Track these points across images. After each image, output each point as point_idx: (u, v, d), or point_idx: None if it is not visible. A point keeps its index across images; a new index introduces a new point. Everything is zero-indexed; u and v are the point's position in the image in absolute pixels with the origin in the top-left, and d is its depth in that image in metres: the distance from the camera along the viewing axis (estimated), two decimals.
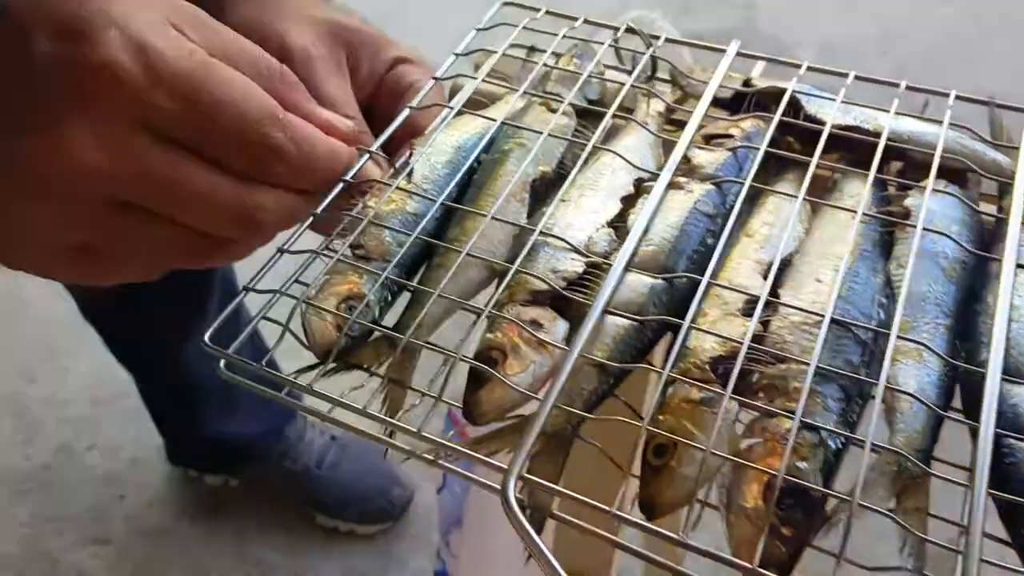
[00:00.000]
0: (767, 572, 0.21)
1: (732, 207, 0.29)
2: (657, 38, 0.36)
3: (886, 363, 0.24)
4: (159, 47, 0.26)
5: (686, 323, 0.25)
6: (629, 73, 0.36)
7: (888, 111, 0.33)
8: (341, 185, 0.30)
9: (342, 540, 1.03)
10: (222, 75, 0.27)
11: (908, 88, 0.36)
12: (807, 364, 0.24)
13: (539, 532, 0.22)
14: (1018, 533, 0.23)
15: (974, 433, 0.23)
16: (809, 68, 0.35)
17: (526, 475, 0.23)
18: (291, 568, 1.01)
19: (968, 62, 1.71)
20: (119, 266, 0.29)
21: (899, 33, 1.79)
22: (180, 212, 0.27)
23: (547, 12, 0.39)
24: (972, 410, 0.25)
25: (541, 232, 0.28)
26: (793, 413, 0.23)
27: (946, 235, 0.28)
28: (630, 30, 0.37)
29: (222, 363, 0.26)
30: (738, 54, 0.35)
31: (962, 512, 0.22)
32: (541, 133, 0.32)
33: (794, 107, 0.32)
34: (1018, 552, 0.23)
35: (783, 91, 0.32)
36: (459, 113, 0.34)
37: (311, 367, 0.28)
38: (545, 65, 0.36)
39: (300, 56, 0.34)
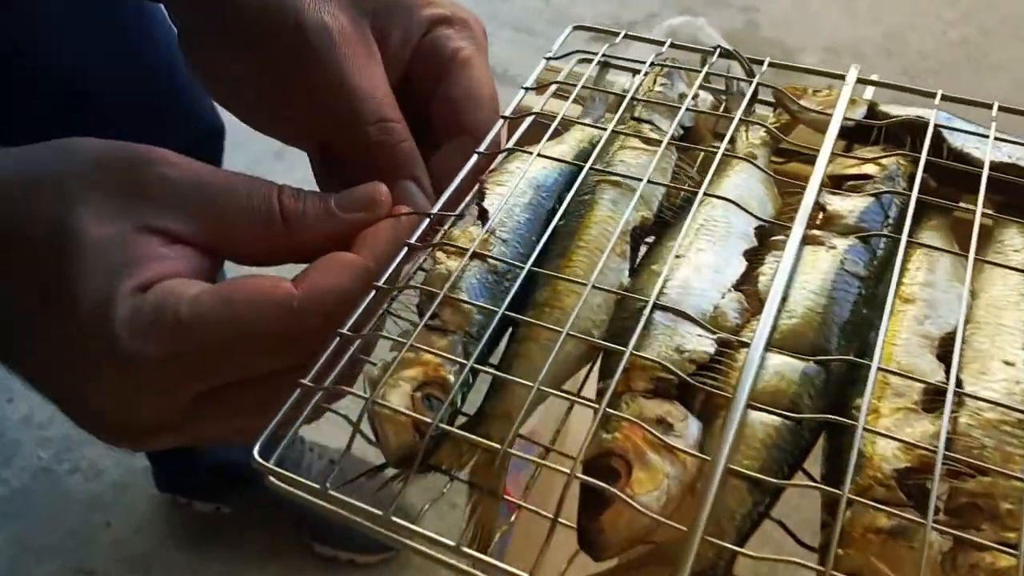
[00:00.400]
0: None
1: (881, 267, 0.24)
2: (760, 62, 0.31)
3: None
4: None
5: (861, 422, 0.20)
6: (722, 94, 0.31)
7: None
8: (405, 250, 0.25)
9: (341, 570, 0.97)
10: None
11: (1001, 109, 0.30)
12: (1021, 478, 0.19)
13: None
14: None
15: None
16: (944, 98, 0.30)
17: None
18: None
19: (970, 66, 1.69)
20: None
21: (901, 36, 1.76)
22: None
23: (626, 36, 0.33)
24: None
25: (656, 304, 0.23)
26: (1014, 547, 0.18)
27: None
28: (727, 54, 0.31)
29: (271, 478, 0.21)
30: (858, 81, 0.30)
31: None
32: (635, 169, 0.27)
33: (937, 141, 0.27)
34: None
35: (923, 122, 0.27)
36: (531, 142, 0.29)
37: (379, 468, 0.23)
38: (624, 92, 0.30)
39: (318, 39, 0.30)
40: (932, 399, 0.21)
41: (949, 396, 0.20)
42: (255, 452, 0.22)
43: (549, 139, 0.29)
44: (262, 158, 1.24)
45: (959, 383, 0.21)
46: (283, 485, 0.21)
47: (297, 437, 0.94)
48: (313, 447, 0.98)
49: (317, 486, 0.21)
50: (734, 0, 1.86)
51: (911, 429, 0.20)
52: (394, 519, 0.21)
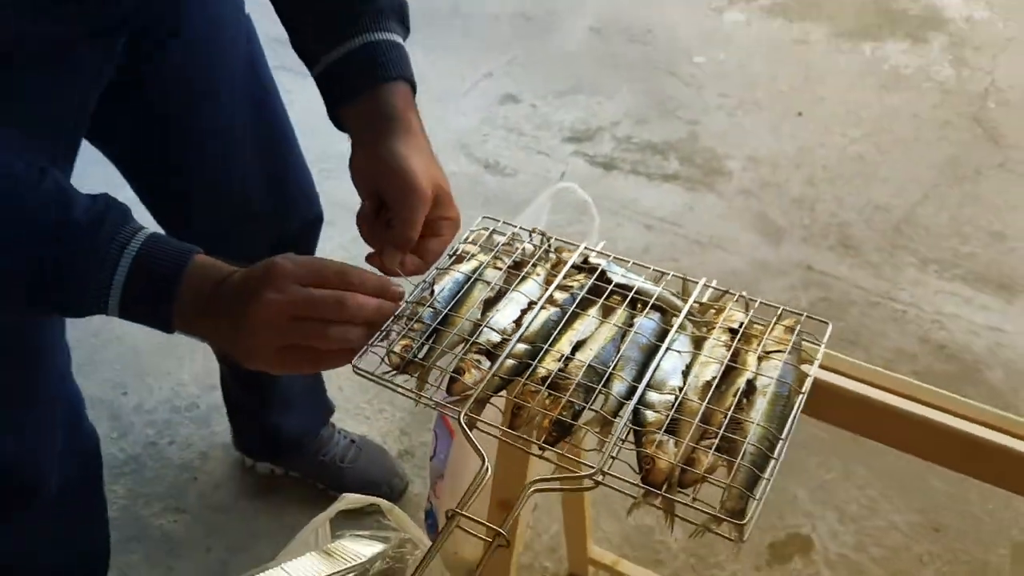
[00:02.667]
0: None
1: (569, 316, 0.69)
2: (550, 238, 0.77)
3: (615, 384, 0.64)
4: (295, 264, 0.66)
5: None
6: (544, 248, 0.77)
7: (644, 277, 0.74)
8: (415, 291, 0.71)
9: None
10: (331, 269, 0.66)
11: (674, 275, 0.75)
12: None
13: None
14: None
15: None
16: (616, 258, 0.76)
17: (469, 414, 0.63)
18: None
19: (863, 178, 2.15)
20: (301, 362, 0.67)
21: (811, 151, 2.23)
22: (317, 324, 0.65)
23: (505, 222, 0.79)
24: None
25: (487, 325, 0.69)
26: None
27: (642, 334, 0.68)
28: (542, 234, 0.77)
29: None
30: (585, 248, 0.76)
31: None
32: (491, 277, 0.73)
33: (603, 272, 0.73)
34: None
35: (598, 266, 0.73)
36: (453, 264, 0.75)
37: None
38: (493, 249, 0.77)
39: (413, 196, 0.71)
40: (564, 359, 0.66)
41: (563, 359, 0.66)
42: (353, 362, 0.66)
43: (457, 263, 0.75)
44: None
45: (573, 354, 0.67)
46: (363, 370, 0.66)
47: (333, 426, 1.39)
48: (341, 431, 1.43)
49: (373, 372, 0.66)
50: (681, 114, 2.34)
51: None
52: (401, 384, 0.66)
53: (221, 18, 0.94)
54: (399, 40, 0.77)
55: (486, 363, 0.66)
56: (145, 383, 1.60)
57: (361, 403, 1.56)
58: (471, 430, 0.61)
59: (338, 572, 0.70)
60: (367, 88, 0.74)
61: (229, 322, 0.64)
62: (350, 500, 0.77)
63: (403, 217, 0.72)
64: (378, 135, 0.73)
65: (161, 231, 0.69)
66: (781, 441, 0.61)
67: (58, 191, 0.64)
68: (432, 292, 0.71)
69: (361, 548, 0.76)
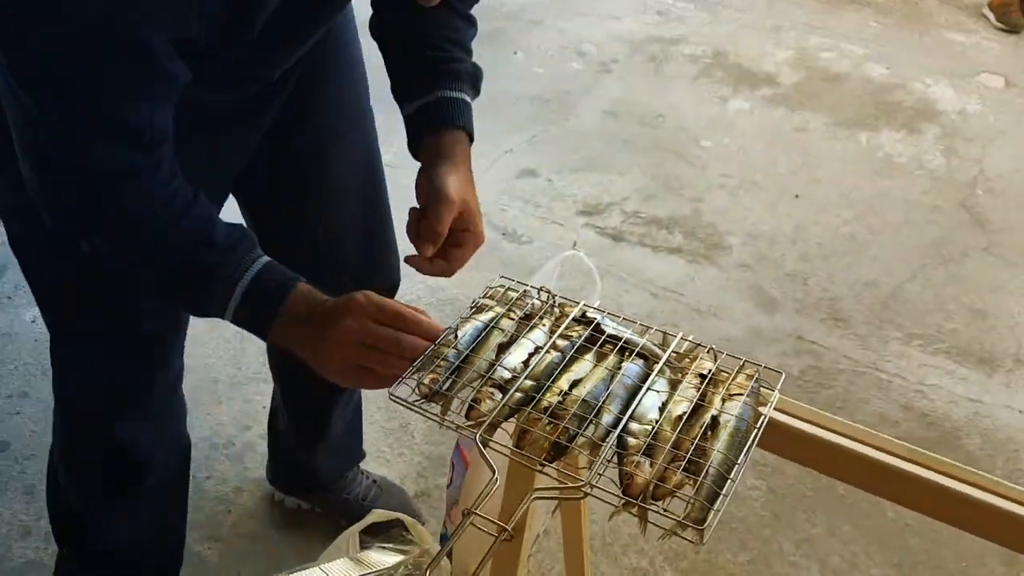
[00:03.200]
0: None
1: (568, 360, 0.84)
2: (554, 295, 0.93)
3: (604, 415, 0.78)
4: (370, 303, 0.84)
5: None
6: (550, 304, 0.92)
7: (632, 330, 0.89)
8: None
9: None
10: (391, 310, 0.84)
11: (656, 329, 0.90)
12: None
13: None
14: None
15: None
16: (609, 314, 0.91)
17: (484, 435, 0.77)
18: None
19: (854, 255, 2.31)
20: (358, 379, 0.85)
21: (806, 228, 2.39)
22: (377, 353, 0.83)
23: (519, 281, 0.95)
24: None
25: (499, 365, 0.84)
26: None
27: (628, 376, 0.83)
28: (547, 292, 0.93)
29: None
30: (584, 305, 0.91)
31: None
32: (507, 326, 0.88)
33: (598, 325, 0.88)
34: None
35: (594, 319, 0.88)
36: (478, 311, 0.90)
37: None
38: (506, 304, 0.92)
39: (442, 203, 0.92)
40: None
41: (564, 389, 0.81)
42: (389, 391, 0.82)
43: (477, 313, 0.90)
44: None
45: (570, 390, 0.81)
46: (398, 397, 0.81)
47: (358, 467, 1.53)
48: (364, 472, 1.56)
49: (407, 398, 0.81)
50: (686, 192, 2.52)
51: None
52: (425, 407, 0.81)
53: (354, 62, 1.15)
54: (467, 99, 1.00)
55: (499, 395, 0.81)
56: (187, 422, 1.74)
57: (382, 447, 1.69)
58: (485, 448, 0.76)
59: (366, 575, 0.84)
60: (433, 131, 0.98)
61: (314, 339, 0.84)
62: (377, 515, 0.90)
63: (432, 215, 0.93)
64: (432, 164, 0.96)
65: None
66: (738, 465, 0.75)
67: (207, 215, 0.85)
68: (456, 336, 0.87)
69: (386, 557, 0.89)
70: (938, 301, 2.15)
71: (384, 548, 0.94)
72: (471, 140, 1.01)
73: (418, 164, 1.00)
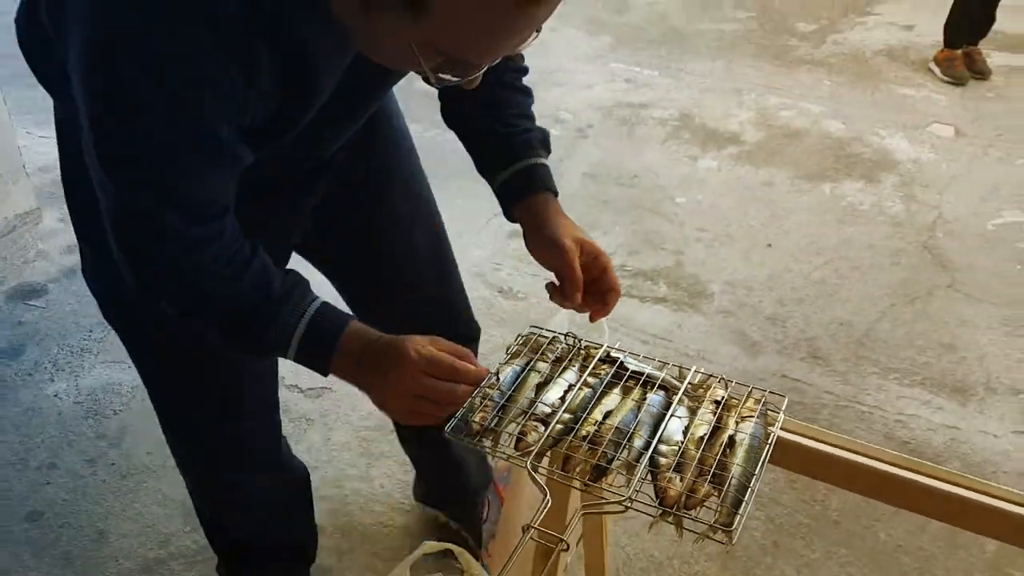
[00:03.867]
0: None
1: (599, 394, 0.96)
2: (580, 339, 1.05)
3: (636, 440, 0.90)
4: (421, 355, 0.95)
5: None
6: (577, 347, 1.04)
7: (651, 366, 1.01)
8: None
9: None
10: (445, 364, 0.95)
11: (672, 364, 1.02)
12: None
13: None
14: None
15: None
16: (631, 353, 1.03)
17: (533, 462, 0.88)
18: None
19: (824, 298, 2.46)
20: (425, 418, 0.96)
21: (779, 276, 2.55)
22: (432, 403, 0.95)
23: (548, 330, 1.07)
24: None
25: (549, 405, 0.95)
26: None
27: (653, 406, 0.95)
28: (573, 336, 1.05)
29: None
30: (611, 349, 1.03)
31: None
32: (543, 368, 1.00)
33: (621, 363, 1.00)
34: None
35: (617, 358, 1.00)
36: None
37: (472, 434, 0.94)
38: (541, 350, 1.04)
39: (564, 253, 1.06)
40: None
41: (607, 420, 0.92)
42: (447, 428, 0.92)
43: (513, 358, 1.02)
44: None
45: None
46: (453, 435, 0.92)
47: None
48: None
49: (463, 436, 0.92)
50: (667, 246, 2.67)
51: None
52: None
53: (401, 133, 1.29)
54: (544, 161, 1.13)
55: (542, 428, 0.92)
56: None
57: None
58: (535, 472, 0.87)
59: None
60: (522, 198, 1.11)
61: (372, 380, 0.95)
62: (429, 546, 1.00)
63: (563, 268, 1.08)
64: (532, 227, 1.11)
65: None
66: (755, 476, 0.87)
67: (264, 268, 0.95)
68: (497, 379, 0.98)
69: None
70: (909, 337, 2.30)
71: (437, 574, 1.03)
72: (555, 194, 1.13)
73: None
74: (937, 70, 3.81)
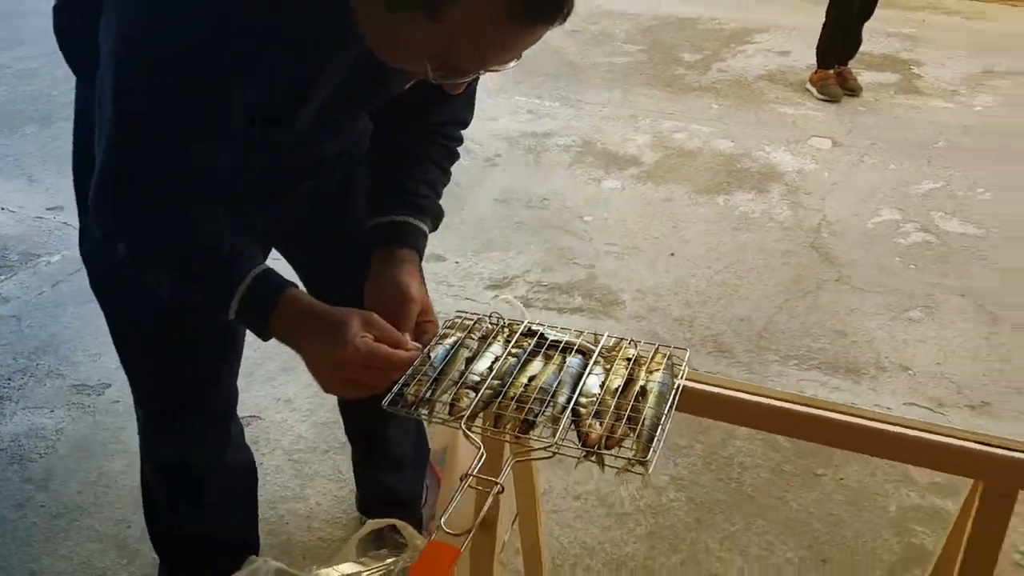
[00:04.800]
0: None
1: (523, 363, 1.05)
2: (502, 318, 1.14)
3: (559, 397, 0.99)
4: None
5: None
6: (501, 325, 1.13)
7: (565, 335, 1.11)
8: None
9: None
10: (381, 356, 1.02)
11: (587, 332, 1.12)
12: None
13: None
14: None
15: None
16: (549, 326, 1.13)
17: (468, 422, 0.97)
18: None
19: (728, 298, 2.63)
20: (358, 390, 1.03)
21: (685, 281, 2.71)
22: (363, 387, 1.02)
23: (473, 313, 1.16)
24: None
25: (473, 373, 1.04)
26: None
27: (572, 367, 1.05)
28: (498, 316, 1.14)
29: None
30: (527, 322, 1.13)
31: None
32: (471, 344, 1.09)
33: (541, 335, 1.10)
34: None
35: (538, 331, 1.10)
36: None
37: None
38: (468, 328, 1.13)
39: (411, 303, 1.11)
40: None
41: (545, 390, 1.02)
42: (384, 401, 1.00)
43: (443, 339, 1.10)
44: None
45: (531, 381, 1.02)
46: (391, 408, 0.99)
47: None
48: None
49: (398, 408, 0.99)
50: (579, 261, 2.80)
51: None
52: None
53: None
54: (427, 231, 1.22)
55: (473, 394, 1.01)
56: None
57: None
58: (469, 431, 0.95)
59: (372, 570, 0.98)
60: (391, 244, 1.18)
61: (307, 353, 1.01)
62: (373, 523, 1.06)
63: (402, 314, 1.11)
64: (387, 268, 1.16)
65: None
66: (665, 416, 0.97)
67: (231, 244, 1.00)
68: (429, 357, 1.06)
69: (385, 557, 1.04)
70: (804, 327, 2.49)
71: (381, 551, 1.09)
72: (420, 256, 1.20)
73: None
74: (813, 89, 4.12)
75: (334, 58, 1.00)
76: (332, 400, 1.72)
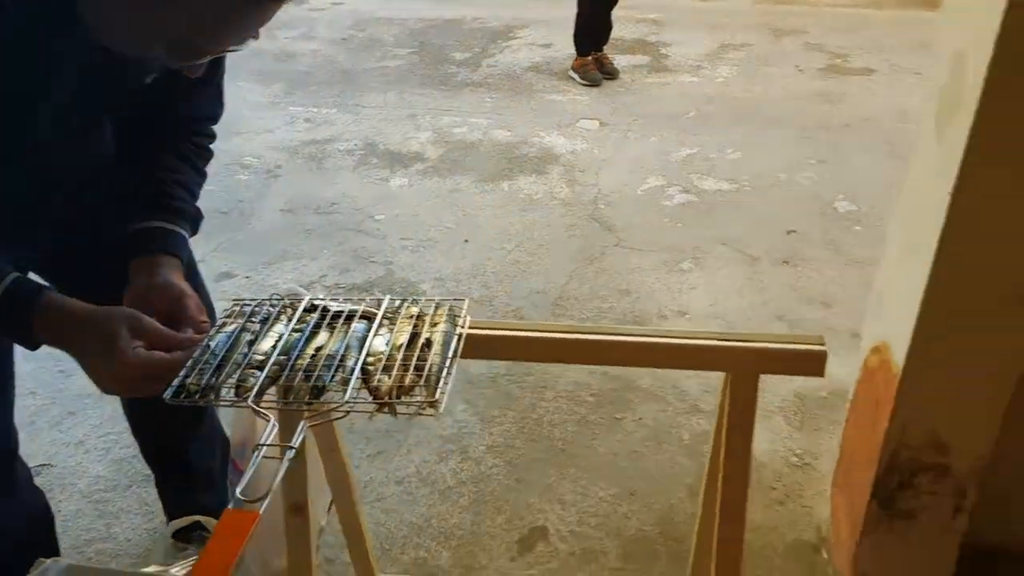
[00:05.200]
0: None
1: (308, 336, 1.07)
2: (282, 297, 1.15)
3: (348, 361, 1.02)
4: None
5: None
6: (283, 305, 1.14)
7: (348, 305, 1.14)
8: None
9: None
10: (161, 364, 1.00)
11: (369, 299, 1.16)
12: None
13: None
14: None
15: None
16: (332, 299, 1.15)
17: (255, 398, 0.97)
18: None
19: (522, 275, 2.75)
20: (140, 392, 0.99)
21: (481, 266, 2.80)
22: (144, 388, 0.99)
23: (251, 299, 1.15)
24: None
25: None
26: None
27: (357, 333, 1.08)
28: (278, 296, 1.15)
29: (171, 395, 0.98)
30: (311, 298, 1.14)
31: None
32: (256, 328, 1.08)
33: (325, 308, 1.12)
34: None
35: (320, 304, 1.12)
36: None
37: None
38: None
39: (186, 298, 1.09)
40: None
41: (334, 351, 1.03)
42: (165, 394, 0.98)
43: (222, 328, 1.10)
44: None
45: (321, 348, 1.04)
46: (173, 400, 0.97)
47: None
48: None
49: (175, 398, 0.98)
50: (375, 258, 2.82)
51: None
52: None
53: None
54: (184, 233, 1.18)
55: (259, 373, 1.01)
56: None
57: None
58: (258, 407, 0.95)
59: (180, 566, 0.95)
60: (152, 253, 1.14)
61: (81, 359, 0.96)
62: (176, 524, 1.03)
63: (187, 312, 1.11)
64: (153, 273, 1.12)
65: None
66: (450, 360, 1.02)
67: None
68: (209, 347, 1.05)
69: (193, 554, 1.01)
70: (593, 290, 2.65)
71: (187, 552, 1.06)
72: (182, 262, 1.17)
73: None
74: (576, 76, 4.38)
75: (55, 51, 0.97)
76: (128, 435, 1.63)
